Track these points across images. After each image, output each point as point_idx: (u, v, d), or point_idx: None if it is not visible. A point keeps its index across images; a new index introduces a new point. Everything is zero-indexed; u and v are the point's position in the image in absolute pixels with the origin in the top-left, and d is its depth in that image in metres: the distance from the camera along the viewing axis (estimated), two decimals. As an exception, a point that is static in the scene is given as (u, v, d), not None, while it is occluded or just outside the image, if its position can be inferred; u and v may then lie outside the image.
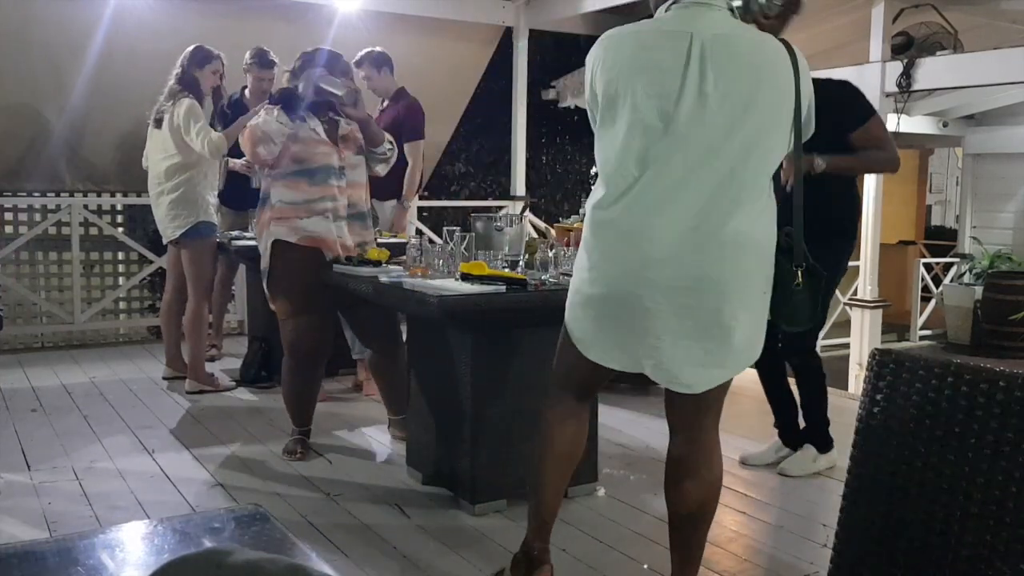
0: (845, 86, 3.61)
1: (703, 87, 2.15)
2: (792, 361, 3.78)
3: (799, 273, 2.33)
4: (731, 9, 2.28)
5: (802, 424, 3.83)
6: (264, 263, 3.81)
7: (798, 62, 2.25)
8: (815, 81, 3.42)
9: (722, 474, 2.44)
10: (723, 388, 2.34)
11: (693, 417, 2.37)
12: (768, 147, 2.24)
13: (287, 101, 3.73)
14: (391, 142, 3.95)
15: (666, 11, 2.28)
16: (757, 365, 3.61)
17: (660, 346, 2.23)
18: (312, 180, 3.69)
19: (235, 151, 5.22)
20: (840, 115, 3.42)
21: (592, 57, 2.30)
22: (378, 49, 5.28)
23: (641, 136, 2.19)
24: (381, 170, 3.99)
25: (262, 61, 5.34)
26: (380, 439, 4.21)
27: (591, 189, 2.39)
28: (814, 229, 3.41)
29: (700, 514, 2.42)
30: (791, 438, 3.87)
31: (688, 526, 2.44)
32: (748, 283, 2.24)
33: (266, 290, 3.85)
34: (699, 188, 2.18)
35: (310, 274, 3.70)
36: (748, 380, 5.84)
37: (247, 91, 5.48)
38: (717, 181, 2.18)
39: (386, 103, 5.36)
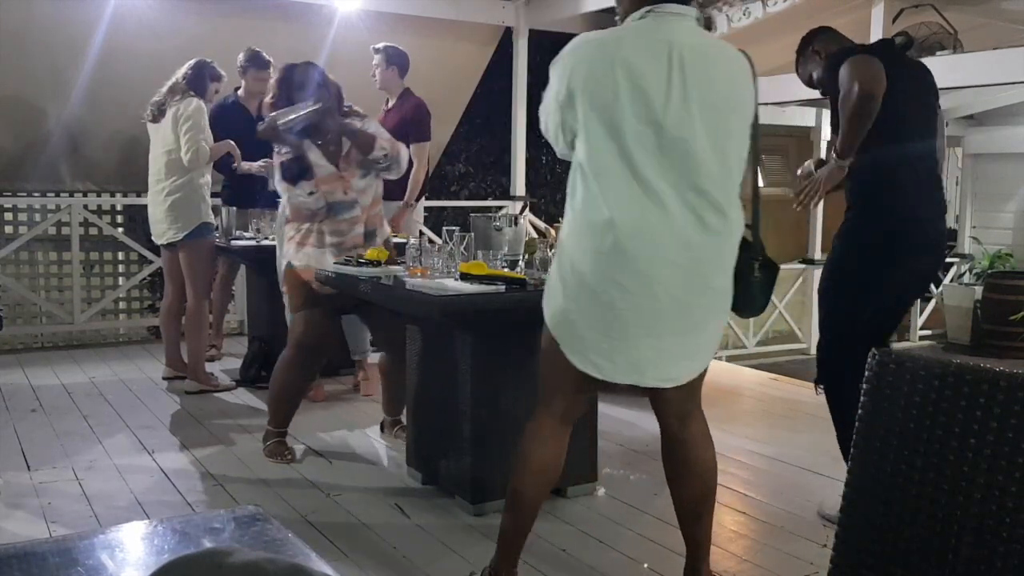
0: (839, 57, 3.09)
1: (687, 93, 2.22)
2: (849, 353, 2.99)
3: (755, 266, 2.44)
4: (697, 19, 2.36)
5: None
6: (281, 268, 3.90)
7: (754, 71, 2.38)
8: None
9: (715, 453, 2.57)
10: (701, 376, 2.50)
11: (683, 405, 2.51)
12: (738, 151, 2.34)
13: (298, 173, 3.73)
14: (385, 146, 3.83)
15: (640, 18, 2.32)
16: (827, 392, 3.29)
17: (648, 345, 2.33)
18: (327, 214, 3.77)
19: (249, 154, 5.24)
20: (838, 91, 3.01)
21: (568, 65, 2.29)
22: (401, 48, 5.33)
23: (634, 143, 2.23)
24: (392, 175, 3.98)
25: (259, 62, 5.33)
26: (380, 439, 4.21)
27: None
28: (867, 229, 3.15)
29: (704, 493, 2.54)
30: None
31: (694, 507, 2.55)
32: (720, 281, 2.37)
33: (280, 281, 3.95)
34: (691, 191, 2.25)
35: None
36: (750, 380, 5.87)
37: (240, 92, 5.47)
38: (706, 184, 2.26)
39: (391, 103, 5.37)
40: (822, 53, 3.28)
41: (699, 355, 2.42)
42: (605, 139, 2.25)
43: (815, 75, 3.32)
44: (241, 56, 5.35)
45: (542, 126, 2.45)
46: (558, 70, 2.31)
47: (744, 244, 2.41)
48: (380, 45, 5.31)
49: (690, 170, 2.24)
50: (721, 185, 2.27)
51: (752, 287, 2.44)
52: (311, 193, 3.72)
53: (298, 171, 3.73)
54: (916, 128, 3.11)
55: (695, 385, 2.48)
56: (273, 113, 3.72)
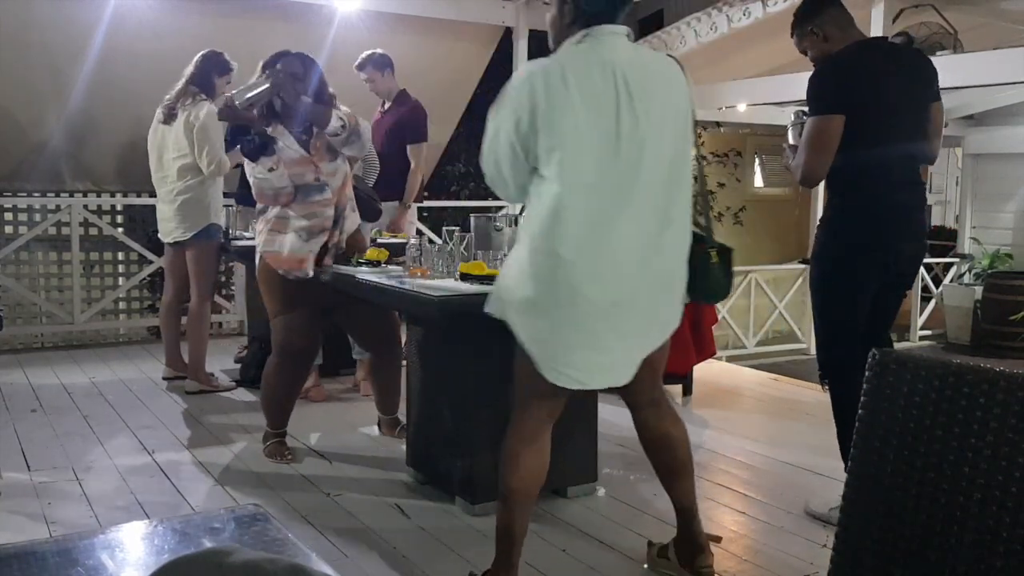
0: (826, 67, 3.20)
1: (634, 108, 2.34)
2: (842, 347, 3.23)
3: (713, 253, 2.63)
4: (628, 35, 2.48)
5: None
6: (256, 262, 3.86)
7: (686, 73, 2.52)
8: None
9: (685, 428, 2.80)
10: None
11: (651, 389, 2.72)
12: (682, 152, 2.48)
13: (258, 148, 3.64)
14: (342, 117, 3.65)
15: (579, 43, 2.40)
16: (832, 390, 3.31)
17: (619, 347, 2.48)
18: (296, 197, 3.70)
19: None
20: None
21: (524, 94, 2.34)
22: (380, 51, 5.27)
23: (595, 164, 2.34)
24: (354, 151, 3.79)
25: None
26: (380, 439, 4.21)
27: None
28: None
29: (684, 468, 2.78)
30: None
31: (677, 482, 2.78)
32: (683, 277, 2.56)
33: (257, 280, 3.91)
34: (652, 199, 2.40)
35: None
36: (750, 380, 5.87)
37: None
38: (665, 190, 2.42)
39: (388, 105, 5.35)
40: (820, 35, 3.28)
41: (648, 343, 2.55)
42: (571, 160, 2.33)
43: (809, 53, 3.35)
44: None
45: (491, 169, 2.52)
46: (511, 104, 2.38)
47: (697, 235, 2.58)
48: (360, 60, 5.20)
49: (642, 179, 2.36)
50: (665, 189, 2.42)
51: (713, 271, 2.62)
52: (271, 170, 3.62)
53: (259, 146, 3.61)
54: (892, 131, 3.14)
55: (657, 376, 2.69)
56: (228, 93, 3.67)
